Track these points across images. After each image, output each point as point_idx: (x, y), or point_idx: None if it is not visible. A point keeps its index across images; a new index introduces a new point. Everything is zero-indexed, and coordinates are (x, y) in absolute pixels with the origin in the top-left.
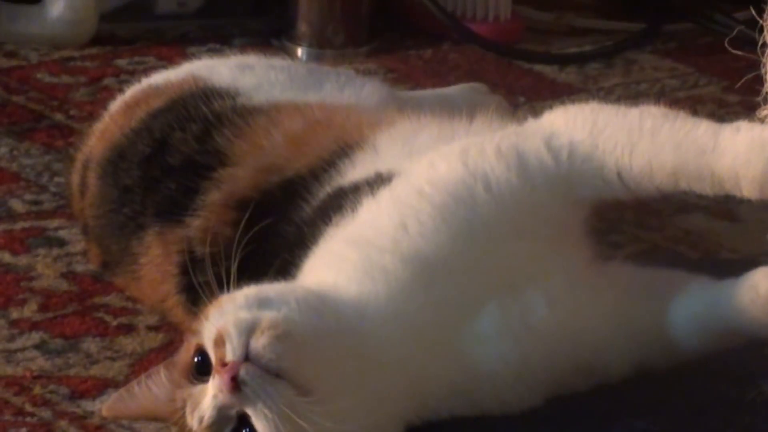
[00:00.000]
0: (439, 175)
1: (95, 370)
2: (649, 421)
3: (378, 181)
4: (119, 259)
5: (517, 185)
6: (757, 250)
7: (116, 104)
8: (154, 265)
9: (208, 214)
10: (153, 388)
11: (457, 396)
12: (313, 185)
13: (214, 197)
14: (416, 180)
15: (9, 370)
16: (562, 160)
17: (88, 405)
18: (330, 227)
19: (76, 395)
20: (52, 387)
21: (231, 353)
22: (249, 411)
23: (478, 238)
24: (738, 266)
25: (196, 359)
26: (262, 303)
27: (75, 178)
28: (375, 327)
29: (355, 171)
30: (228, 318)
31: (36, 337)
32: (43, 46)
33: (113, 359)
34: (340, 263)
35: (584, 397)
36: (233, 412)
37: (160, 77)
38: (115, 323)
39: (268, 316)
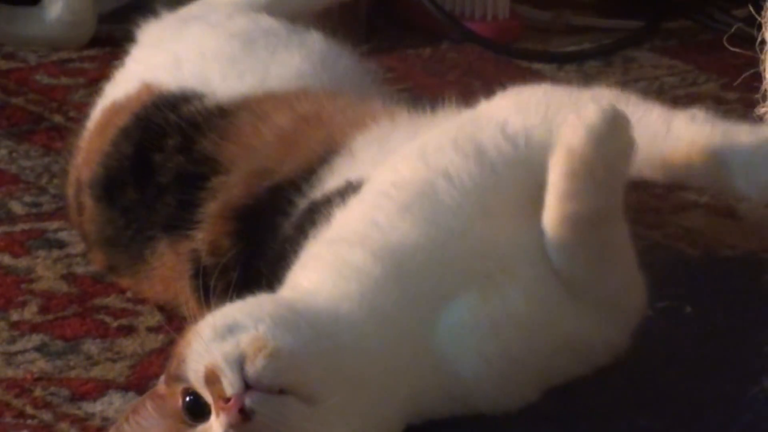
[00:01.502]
0: (401, 177)
1: (96, 372)
2: (650, 418)
3: (348, 190)
4: (128, 264)
5: (478, 172)
6: (756, 247)
7: (92, 122)
8: (168, 267)
9: (209, 226)
10: (142, 422)
11: (446, 396)
12: (297, 194)
13: (212, 208)
14: (381, 184)
15: (9, 372)
16: (520, 146)
17: (89, 407)
18: (307, 241)
19: (76, 397)
20: (52, 389)
21: (230, 387)
22: None
23: (444, 226)
24: (738, 263)
25: (187, 399)
26: (232, 328)
27: (70, 191)
28: (351, 326)
29: (333, 178)
30: (213, 354)
31: (36, 339)
32: (42, 47)
33: (114, 361)
34: (313, 264)
35: (586, 395)
36: None
37: (118, 91)
38: (115, 325)
39: (249, 338)
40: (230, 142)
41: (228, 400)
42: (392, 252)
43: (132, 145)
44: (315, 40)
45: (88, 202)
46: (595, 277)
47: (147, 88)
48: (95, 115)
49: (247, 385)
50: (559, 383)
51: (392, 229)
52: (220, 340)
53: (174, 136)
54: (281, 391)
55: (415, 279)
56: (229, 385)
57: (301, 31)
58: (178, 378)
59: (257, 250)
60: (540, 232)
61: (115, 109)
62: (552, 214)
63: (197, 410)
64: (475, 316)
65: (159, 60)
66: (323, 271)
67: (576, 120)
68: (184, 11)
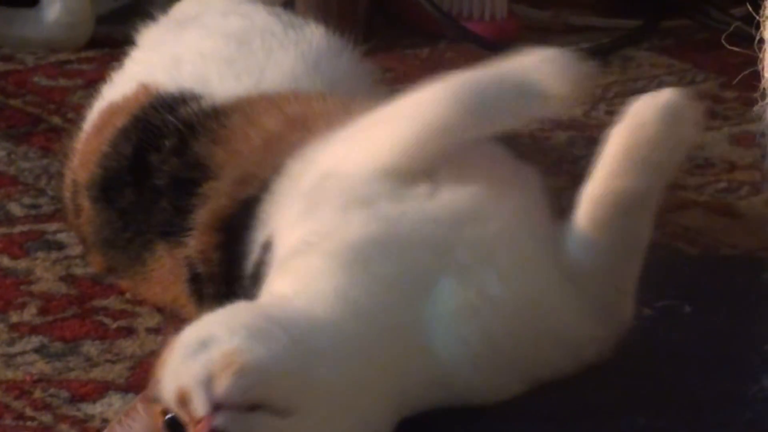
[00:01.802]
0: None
1: (95, 374)
2: (650, 416)
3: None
4: (127, 265)
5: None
6: (756, 246)
7: (88, 124)
8: (166, 270)
9: (199, 235)
10: (134, 425)
11: (431, 385)
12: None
13: (202, 216)
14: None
15: (9, 374)
16: (383, 184)
17: (88, 408)
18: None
19: (76, 399)
20: (52, 391)
21: (200, 408)
22: None
23: (384, 214)
24: (737, 262)
25: (167, 418)
26: (206, 342)
27: (67, 194)
28: (329, 326)
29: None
30: (182, 375)
31: (36, 340)
32: (40, 49)
33: (113, 362)
34: (281, 276)
35: (586, 394)
36: None
37: (116, 93)
38: (114, 326)
39: (218, 354)
40: (220, 146)
41: (200, 421)
42: (349, 247)
43: (131, 145)
44: (313, 35)
45: (85, 203)
46: (606, 266)
47: (145, 89)
48: (92, 117)
49: (218, 406)
50: (545, 377)
51: (338, 229)
52: (192, 357)
53: (171, 138)
54: (255, 407)
55: (381, 267)
56: (199, 406)
57: (299, 26)
58: (155, 399)
59: (239, 263)
60: (523, 222)
61: (112, 110)
62: (596, 187)
63: (178, 428)
64: (454, 302)
65: (157, 61)
66: (293, 279)
67: (651, 98)
68: (178, 11)
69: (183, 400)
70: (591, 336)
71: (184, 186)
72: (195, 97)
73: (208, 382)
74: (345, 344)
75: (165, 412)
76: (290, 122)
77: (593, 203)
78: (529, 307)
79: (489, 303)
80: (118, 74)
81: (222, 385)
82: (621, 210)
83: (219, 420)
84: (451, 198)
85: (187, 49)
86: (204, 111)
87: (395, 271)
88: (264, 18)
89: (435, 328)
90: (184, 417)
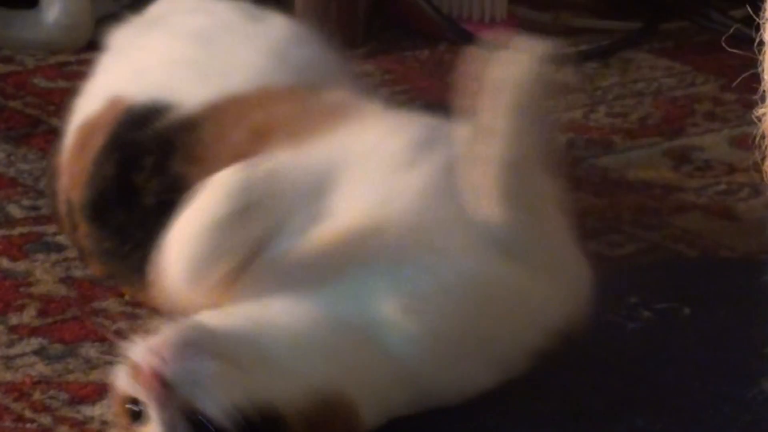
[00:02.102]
0: None
1: (95, 376)
2: (648, 419)
3: None
4: (127, 274)
5: None
6: (755, 249)
7: (69, 141)
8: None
9: None
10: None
11: (400, 385)
12: None
13: None
14: None
15: (8, 376)
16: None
17: (87, 410)
18: None
19: (75, 401)
20: (51, 392)
21: (144, 364)
22: (197, 401)
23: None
24: (736, 264)
25: (128, 406)
26: None
27: (62, 209)
28: (285, 325)
29: None
30: (132, 354)
31: (35, 342)
32: (39, 51)
33: (113, 364)
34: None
35: (583, 396)
36: (184, 419)
37: (90, 106)
38: (114, 328)
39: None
40: (195, 165)
41: (145, 375)
42: (283, 268)
43: (113, 165)
44: (277, 27)
45: (81, 221)
46: (528, 227)
47: (117, 102)
48: (71, 133)
49: (164, 357)
50: (519, 358)
51: (263, 260)
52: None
53: (149, 156)
54: (198, 354)
55: (316, 284)
56: (144, 362)
57: (262, 18)
58: (115, 392)
59: None
60: (438, 204)
61: (90, 127)
62: (496, 162)
63: (139, 416)
64: (392, 308)
65: (126, 69)
66: (241, 296)
67: (517, 56)
68: (150, 11)
69: (134, 372)
70: (547, 298)
71: (170, 208)
72: (166, 108)
73: (153, 348)
74: (301, 335)
75: (125, 400)
76: (254, 134)
77: (500, 177)
78: (466, 290)
79: (424, 301)
80: (89, 85)
81: (166, 342)
82: (524, 173)
83: (166, 369)
84: (345, 211)
85: (153, 54)
86: (176, 124)
87: (332, 289)
88: (226, 13)
89: (384, 333)
90: (136, 390)
